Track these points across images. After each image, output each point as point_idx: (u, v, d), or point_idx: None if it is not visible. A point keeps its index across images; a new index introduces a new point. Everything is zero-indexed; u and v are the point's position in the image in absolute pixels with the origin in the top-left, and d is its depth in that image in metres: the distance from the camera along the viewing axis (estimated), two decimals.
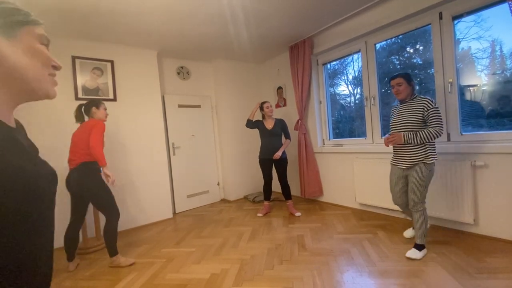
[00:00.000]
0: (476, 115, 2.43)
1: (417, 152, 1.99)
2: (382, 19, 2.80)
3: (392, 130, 2.15)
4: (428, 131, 1.91)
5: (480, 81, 2.41)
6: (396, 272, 1.86)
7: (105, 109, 2.44)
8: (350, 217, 3.09)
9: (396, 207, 2.77)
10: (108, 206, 2.27)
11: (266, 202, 3.56)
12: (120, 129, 3.28)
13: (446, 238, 2.31)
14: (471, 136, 2.36)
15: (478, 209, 2.27)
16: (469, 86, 2.45)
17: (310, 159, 3.71)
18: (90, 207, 2.88)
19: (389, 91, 3.17)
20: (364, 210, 3.22)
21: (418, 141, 1.95)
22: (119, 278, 2.11)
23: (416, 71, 2.90)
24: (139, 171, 3.44)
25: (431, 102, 1.95)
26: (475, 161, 2.23)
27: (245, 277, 1.98)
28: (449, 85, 2.44)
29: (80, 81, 3.05)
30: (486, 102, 2.38)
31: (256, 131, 3.77)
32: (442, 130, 1.90)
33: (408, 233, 2.39)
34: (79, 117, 2.41)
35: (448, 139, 2.49)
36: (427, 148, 1.98)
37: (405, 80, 2.06)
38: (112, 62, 3.26)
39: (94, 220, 2.88)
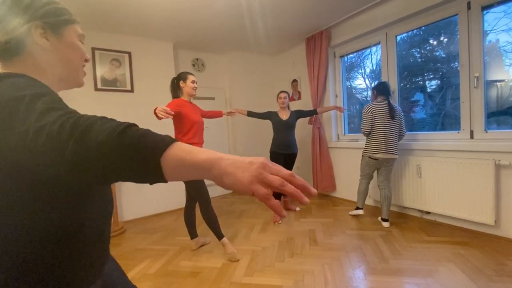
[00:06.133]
0: (502, 112, 2.31)
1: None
2: (405, 9, 2.67)
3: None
4: None
5: (508, 76, 2.28)
6: (410, 271, 1.82)
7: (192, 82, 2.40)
8: (364, 213, 3.04)
9: (412, 205, 2.71)
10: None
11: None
12: (137, 120, 3.35)
13: (464, 238, 2.23)
14: (496, 134, 2.25)
15: (500, 210, 2.18)
16: (496, 81, 2.32)
17: (324, 154, 3.67)
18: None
19: (408, 85, 3.05)
20: (378, 207, 3.15)
21: None
22: (135, 263, 2.19)
23: (439, 64, 2.77)
24: None
25: None
26: (499, 160, 2.13)
27: (256, 268, 2.01)
28: (475, 79, 2.32)
29: (99, 72, 3.13)
30: None
31: (268, 124, 3.67)
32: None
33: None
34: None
35: (471, 137, 2.38)
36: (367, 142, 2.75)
37: None
38: (129, 53, 3.32)
39: None
